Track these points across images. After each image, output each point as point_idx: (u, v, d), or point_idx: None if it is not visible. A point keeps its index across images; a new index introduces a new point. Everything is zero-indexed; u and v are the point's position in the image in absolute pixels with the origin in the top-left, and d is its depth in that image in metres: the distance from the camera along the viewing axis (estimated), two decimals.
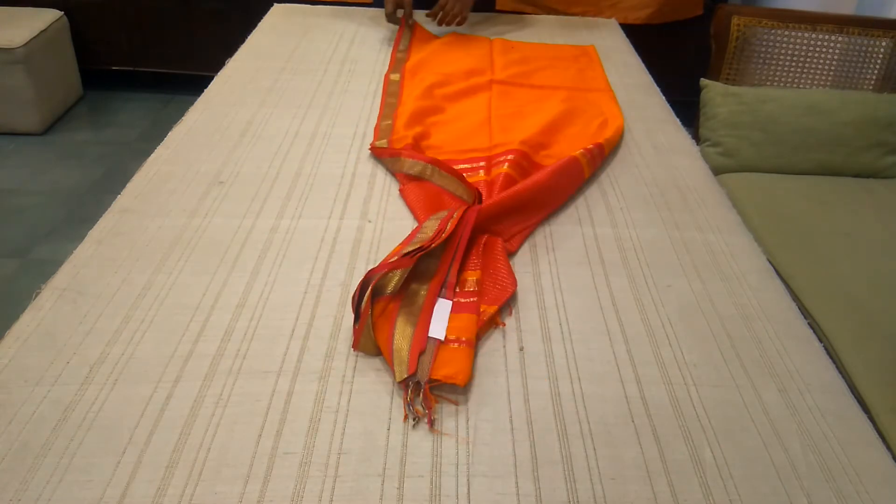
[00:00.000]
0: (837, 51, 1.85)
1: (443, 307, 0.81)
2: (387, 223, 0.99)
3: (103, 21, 2.85)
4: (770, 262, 0.97)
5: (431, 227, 0.91)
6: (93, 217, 0.95)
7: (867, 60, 1.85)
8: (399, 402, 0.71)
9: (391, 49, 1.60)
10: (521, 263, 0.93)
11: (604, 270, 0.92)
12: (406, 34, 1.66)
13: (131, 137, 2.73)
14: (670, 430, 0.70)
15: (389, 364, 0.74)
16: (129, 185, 1.04)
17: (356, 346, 0.77)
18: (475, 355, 0.77)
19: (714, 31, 1.90)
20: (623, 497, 0.63)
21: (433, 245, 0.87)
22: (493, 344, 0.79)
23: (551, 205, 1.03)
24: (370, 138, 1.20)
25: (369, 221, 0.99)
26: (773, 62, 1.87)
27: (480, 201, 1.00)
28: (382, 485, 0.63)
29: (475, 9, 1.77)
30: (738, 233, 1.02)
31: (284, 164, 1.12)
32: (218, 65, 1.48)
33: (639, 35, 1.99)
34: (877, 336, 1.13)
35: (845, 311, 1.19)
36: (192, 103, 1.30)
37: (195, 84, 1.72)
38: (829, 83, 1.88)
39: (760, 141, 1.65)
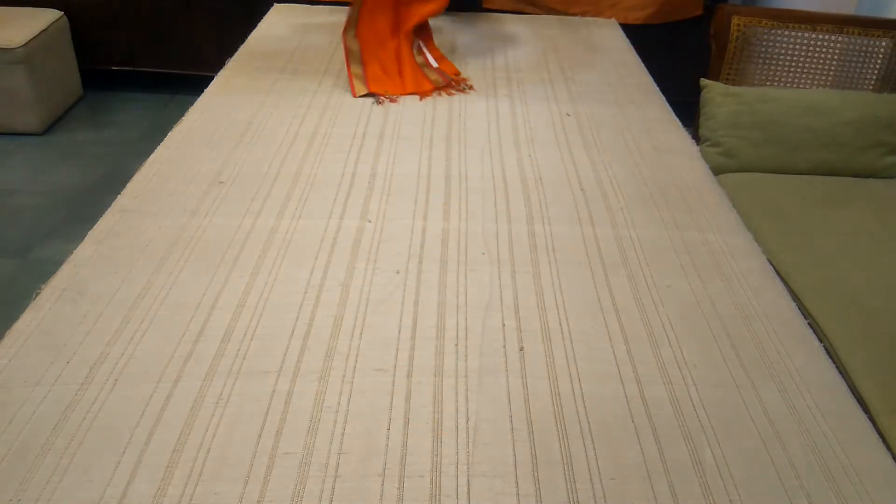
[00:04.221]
0: (837, 51, 1.85)
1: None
2: (387, 223, 0.99)
3: (103, 21, 2.85)
4: (770, 262, 0.97)
5: None
6: (93, 217, 0.95)
7: (867, 60, 1.85)
8: (399, 403, 0.71)
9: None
10: (521, 263, 0.93)
11: (604, 270, 0.92)
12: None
13: (131, 137, 2.73)
14: (670, 430, 0.70)
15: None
16: (129, 185, 1.04)
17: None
18: None
19: (714, 31, 1.90)
20: (623, 497, 0.63)
21: None
22: (493, 344, 0.79)
23: None
24: (370, 138, 1.21)
25: (369, 221, 0.99)
26: (773, 62, 1.87)
27: None
28: (382, 485, 0.63)
29: (461, 8, 1.75)
30: (738, 233, 1.02)
31: (284, 164, 1.12)
32: (218, 65, 1.48)
33: (639, 35, 1.99)
34: (877, 336, 1.13)
35: (845, 311, 1.19)
36: (192, 103, 1.30)
37: (195, 84, 1.72)
38: (829, 83, 1.87)
39: (760, 141, 1.65)
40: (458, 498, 0.62)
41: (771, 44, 1.86)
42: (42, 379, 0.71)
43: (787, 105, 1.64)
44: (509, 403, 0.72)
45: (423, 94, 1.39)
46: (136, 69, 2.95)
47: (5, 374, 0.71)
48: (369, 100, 1.35)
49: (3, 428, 0.66)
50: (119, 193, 1.02)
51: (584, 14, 2.47)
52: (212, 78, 1.41)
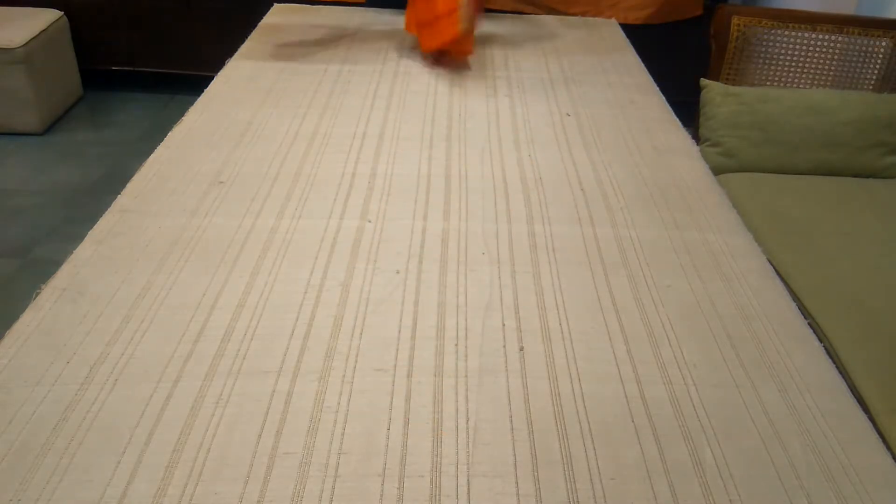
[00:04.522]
0: (837, 51, 1.85)
1: None
2: (387, 223, 0.99)
3: (103, 21, 2.85)
4: (770, 262, 0.97)
5: None
6: (93, 217, 0.96)
7: (867, 60, 1.85)
8: (399, 403, 0.71)
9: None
10: (521, 263, 0.93)
11: (604, 270, 0.92)
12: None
13: (131, 137, 2.73)
14: (670, 430, 0.70)
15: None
16: (129, 185, 1.04)
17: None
18: None
19: (714, 31, 1.90)
20: (623, 497, 0.63)
21: None
22: (493, 344, 0.79)
23: None
24: (370, 138, 1.21)
25: (369, 221, 0.99)
26: (773, 62, 1.87)
27: None
28: (382, 485, 0.63)
29: None
30: (738, 233, 1.02)
31: (284, 164, 1.12)
32: (218, 65, 1.48)
33: (639, 35, 1.99)
34: (877, 336, 1.13)
35: (845, 311, 1.19)
36: (192, 103, 1.30)
37: (195, 84, 1.72)
38: (829, 83, 1.88)
39: (760, 141, 1.65)
40: (458, 498, 0.62)
41: (771, 44, 1.86)
42: (42, 379, 0.71)
43: (787, 105, 1.64)
44: (509, 403, 0.72)
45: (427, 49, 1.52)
46: (136, 69, 2.96)
47: (5, 374, 0.71)
48: (369, 100, 1.35)
49: (3, 428, 0.66)
50: (119, 193, 1.02)
51: (584, 14, 2.47)
52: (212, 78, 1.41)
